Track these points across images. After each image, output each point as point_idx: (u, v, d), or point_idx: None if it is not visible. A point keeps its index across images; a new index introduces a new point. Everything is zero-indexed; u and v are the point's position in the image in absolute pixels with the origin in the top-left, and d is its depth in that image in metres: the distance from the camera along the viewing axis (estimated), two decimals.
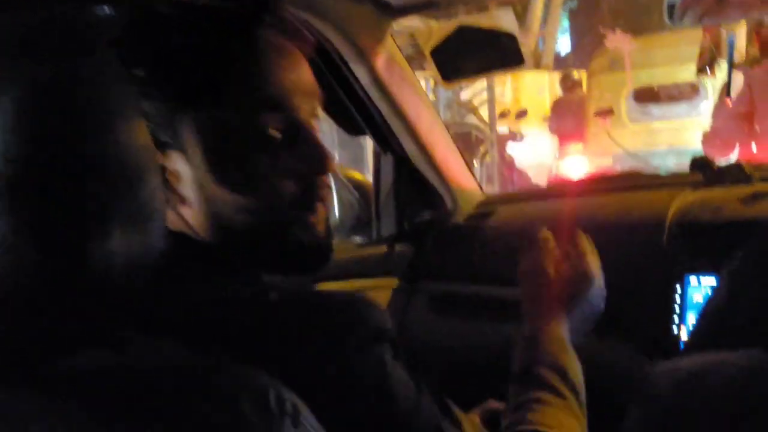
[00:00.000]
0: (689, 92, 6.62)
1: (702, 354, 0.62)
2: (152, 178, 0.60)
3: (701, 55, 1.45)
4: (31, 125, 0.53)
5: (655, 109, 6.67)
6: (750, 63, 1.43)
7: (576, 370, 1.00)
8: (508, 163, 7.83)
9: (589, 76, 7.27)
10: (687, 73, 6.39)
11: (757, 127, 2.92)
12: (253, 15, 0.83)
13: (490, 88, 8.00)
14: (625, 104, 6.63)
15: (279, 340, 0.74)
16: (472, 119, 8.59)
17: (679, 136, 6.38)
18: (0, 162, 0.52)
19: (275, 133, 0.81)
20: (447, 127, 1.69)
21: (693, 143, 5.53)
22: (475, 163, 7.77)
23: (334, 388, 0.74)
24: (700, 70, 1.45)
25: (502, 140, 7.98)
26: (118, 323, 0.63)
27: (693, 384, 0.48)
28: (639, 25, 8.94)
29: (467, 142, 7.91)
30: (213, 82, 0.79)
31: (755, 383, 0.45)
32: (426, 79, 7.95)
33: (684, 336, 1.38)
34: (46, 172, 0.53)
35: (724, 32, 1.42)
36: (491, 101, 8.06)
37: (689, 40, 6.24)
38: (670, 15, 1.41)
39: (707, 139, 3.43)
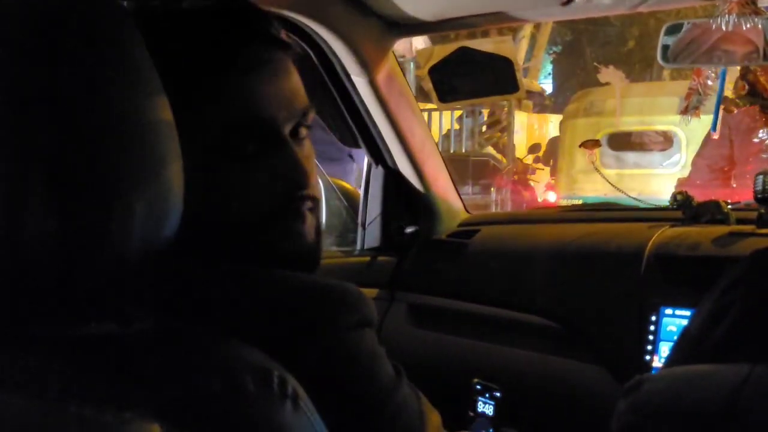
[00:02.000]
0: (662, 142, 6.76)
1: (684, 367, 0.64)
2: (175, 159, 0.60)
3: (688, 95, 1.51)
4: (58, 102, 0.54)
5: (628, 156, 6.80)
6: (733, 105, 1.50)
7: None
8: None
9: (564, 119, 7.42)
10: (661, 123, 6.56)
11: (733, 179, 3.03)
12: (236, 27, 0.83)
13: (510, 122, 8.31)
14: (598, 149, 6.76)
15: (275, 322, 0.77)
16: (490, 150, 8.89)
17: (648, 184, 6.50)
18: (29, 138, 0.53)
19: (251, 149, 0.82)
20: (467, 155, 1.73)
21: (662, 193, 5.67)
22: (492, 190, 7.96)
23: (326, 367, 0.76)
24: (686, 111, 1.51)
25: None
26: (127, 300, 0.64)
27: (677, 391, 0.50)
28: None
29: (485, 169, 8.12)
30: (187, 92, 0.77)
31: (738, 395, 0.47)
32: (452, 109, 8.31)
33: (656, 364, 1.43)
34: (73, 148, 0.54)
35: (712, 73, 1.49)
36: (510, 133, 8.40)
37: (665, 92, 6.41)
38: (664, 56, 1.47)
39: (682, 184, 3.53)
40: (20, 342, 0.58)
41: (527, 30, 8.64)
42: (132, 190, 0.56)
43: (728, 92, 1.64)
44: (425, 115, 7.61)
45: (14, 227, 0.53)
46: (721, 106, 1.56)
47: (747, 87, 1.42)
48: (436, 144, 1.86)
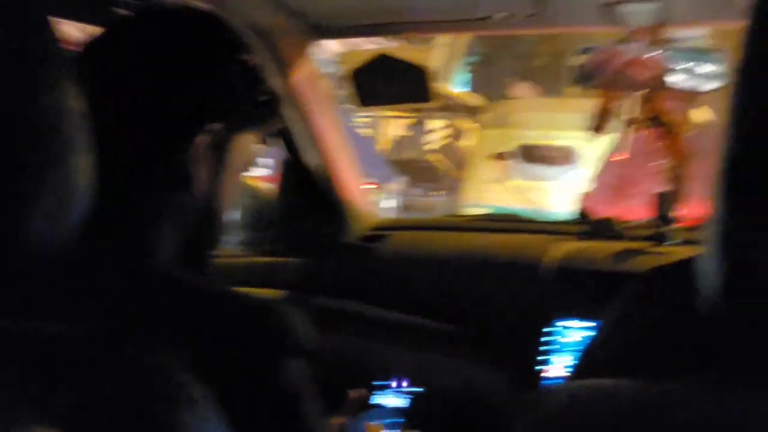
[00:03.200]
0: (565, 157, 6.98)
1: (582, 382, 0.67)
2: (82, 148, 0.59)
3: (597, 114, 1.58)
4: None
5: (532, 169, 6.98)
6: (636, 128, 1.58)
7: None
8: None
9: (477, 129, 7.58)
10: (564, 138, 6.77)
11: (633, 197, 3.16)
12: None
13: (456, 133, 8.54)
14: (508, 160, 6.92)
15: (202, 335, 0.76)
16: (437, 156, 9.29)
17: (550, 197, 6.69)
18: None
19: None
20: (414, 161, 1.76)
21: (561, 206, 5.86)
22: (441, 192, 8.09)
23: (251, 391, 0.76)
24: (594, 128, 1.58)
25: None
26: (43, 294, 0.63)
27: (579, 407, 0.52)
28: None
29: (434, 173, 8.26)
30: None
31: (641, 410, 0.50)
32: (402, 117, 8.69)
33: (549, 374, 1.49)
34: None
35: (621, 96, 1.56)
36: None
37: (570, 108, 6.62)
38: (578, 76, 1.54)
39: (587, 198, 3.65)
40: None
41: (444, 38, 8.79)
42: (32, 180, 0.55)
43: (636, 114, 1.72)
44: (374, 121, 7.76)
45: None
46: (629, 127, 1.64)
47: (649, 110, 1.50)
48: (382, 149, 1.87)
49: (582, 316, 1.49)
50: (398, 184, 5.69)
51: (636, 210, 3.24)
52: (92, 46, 0.87)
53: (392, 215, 5.42)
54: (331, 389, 1.21)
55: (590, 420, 0.48)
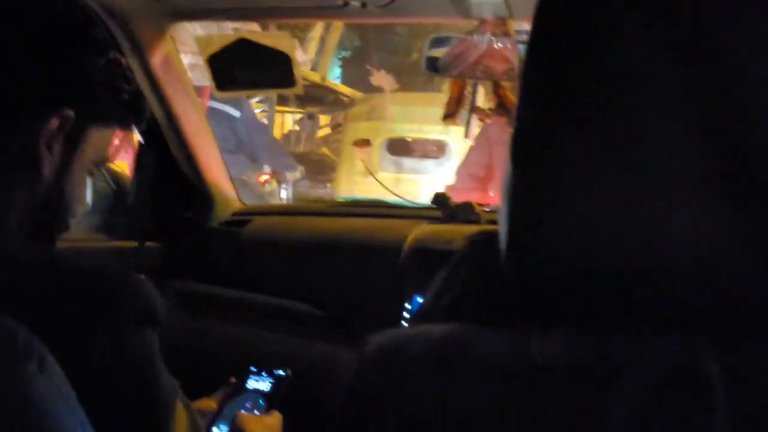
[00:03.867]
0: (437, 150, 7.16)
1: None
2: None
3: (448, 104, 1.65)
4: None
5: (405, 162, 7.12)
6: (485, 115, 1.65)
7: None
8: None
9: (347, 122, 7.66)
10: (435, 132, 6.94)
11: (491, 189, 3.32)
12: None
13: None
14: (377, 153, 7.03)
15: (45, 305, 0.76)
16: (324, 150, 9.28)
17: (421, 190, 6.85)
18: None
19: None
20: (306, 155, 1.76)
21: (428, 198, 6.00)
22: (328, 185, 8.20)
23: (101, 361, 0.76)
24: (446, 117, 1.65)
25: None
26: None
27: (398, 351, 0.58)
28: (402, 83, 9.56)
29: (322, 166, 8.42)
30: None
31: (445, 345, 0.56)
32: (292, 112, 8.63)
33: None
34: None
35: (468, 86, 1.64)
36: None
37: (441, 103, 6.79)
38: (429, 66, 1.60)
39: (449, 190, 3.79)
40: None
41: (317, 31, 8.80)
42: None
43: (484, 104, 1.80)
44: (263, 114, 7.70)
45: None
46: (475, 116, 1.71)
47: (497, 99, 1.58)
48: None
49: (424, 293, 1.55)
50: (295, 174, 5.76)
51: (495, 198, 3.41)
52: None
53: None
54: (199, 374, 1.22)
55: (403, 356, 0.53)
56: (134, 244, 1.76)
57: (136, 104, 0.97)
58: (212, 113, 4.31)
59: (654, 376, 0.47)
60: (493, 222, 1.67)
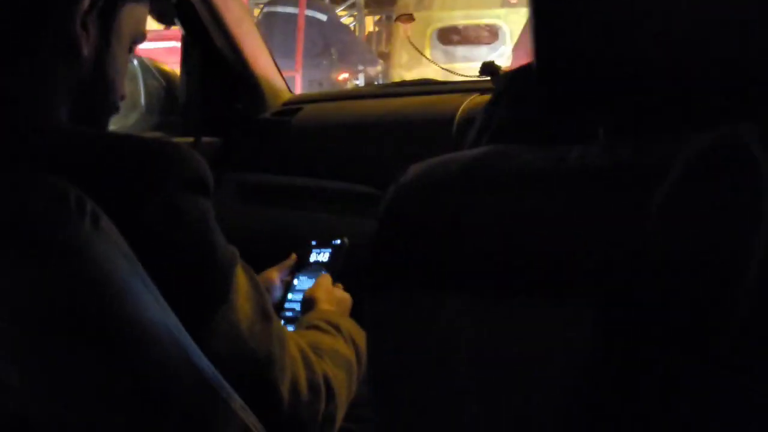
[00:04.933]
0: (489, 36, 6.98)
1: None
2: None
3: None
4: None
5: (457, 51, 6.98)
6: None
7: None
8: None
9: (395, 14, 7.52)
10: (487, 17, 6.76)
11: None
12: None
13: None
14: (428, 43, 6.90)
15: (95, 172, 0.78)
16: None
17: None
18: None
19: None
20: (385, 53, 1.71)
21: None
22: None
23: (157, 227, 0.78)
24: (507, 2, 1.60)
25: None
26: None
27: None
28: None
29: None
30: None
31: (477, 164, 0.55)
32: None
33: None
34: None
35: None
36: None
37: None
38: None
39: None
40: None
41: None
42: None
43: None
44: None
45: None
46: None
47: None
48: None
49: None
50: (377, 69, 6.00)
51: None
52: None
53: None
54: (260, 253, 1.25)
55: (439, 173, 0.54)
56: (189, 140, 1.79)
57: None
58: (306, 20, 4.63)
59: (697, 161, 0.46)
60: None
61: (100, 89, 0.92)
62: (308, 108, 1.86)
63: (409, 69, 6.87)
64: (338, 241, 1.37)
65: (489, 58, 6.69)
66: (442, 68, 2.74)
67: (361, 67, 6.01)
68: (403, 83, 2.16)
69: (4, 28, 0.84)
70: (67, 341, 0.66)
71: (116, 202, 0.74)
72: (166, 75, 1.78)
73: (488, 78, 1.78)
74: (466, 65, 6.94)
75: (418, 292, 0.53)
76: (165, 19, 1.69)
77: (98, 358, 0.67)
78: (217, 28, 1.70)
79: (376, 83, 7.38)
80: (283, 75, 1.98)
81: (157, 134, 1.80)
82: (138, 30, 0.96)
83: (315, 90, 5.90)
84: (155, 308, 0.72)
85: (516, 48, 3.80)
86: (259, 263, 1.00)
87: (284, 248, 1.63)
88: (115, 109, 0.97)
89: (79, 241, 0.64)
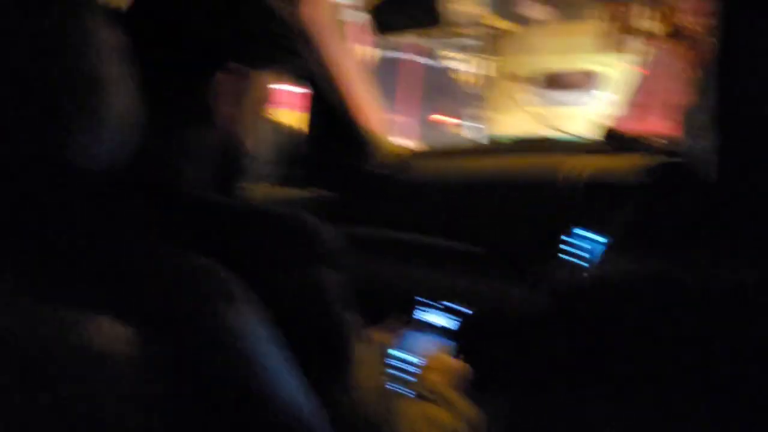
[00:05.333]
0: (584, 80, 6.90)
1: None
2: (117, 78, 0.64)
3: (609, 31, 1.57)
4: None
5: (551, 94, 6.93)
6: (658, 43, 1.55)
7: None
8: None
9: (494, 57, 7.52)
10: (582, 61, 6.68)
11: (654, 107, 3.16)
12: None
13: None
14: (526, 86, 6.86)
15: (235, 245, 0.79)
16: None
17: (569, 122, 6.66)
18: None
19: None
20: None
21: (583, 130, 5.85)
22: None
23: (285, 303, 0.79)
24: (607, 46, 1.58)
25: None
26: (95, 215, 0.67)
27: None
28: (549, 12, 9.23)
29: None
30: None
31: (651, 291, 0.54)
32: None
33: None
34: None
35: (633, 10, 1.54)
36: None
37: (589, 32, 6.51)
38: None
39: (613, 119, 3.64)
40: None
41: None
42: (73, 107, 0.60)
43: (655, 28, 1.69)
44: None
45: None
46: (646, 43, 1.62)
47: (671, 25, 1.47)
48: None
49: (597, 226, 1.51)
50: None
51: (663, 125, 3.23)
52: None
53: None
54: (370, 310, 1.26)
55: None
56: (302, 192, 1.82)
57: (294, 46, 0.99)
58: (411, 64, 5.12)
59: None
60: (667, 153, 1.60)
61: (233, 155, 0.95)
62: (420, 162, 1.87)
63: (504, 111, 6.87)
64: (452, 305, 1.37)
65: (583, 103, 6.62)
66: (534, 112, 2.72)
67: (460, 110, 6.32)
68: (515, 140, 2.14)
69: (148, 91, 0.87)
70: (215, 418, 0.67)
71: (253, 276, 0.76)
72: (282, 127, 1.82)
73: (604, 139, 1.76)
74: (564, 108, 6.89)
75: None
76: (298, 80, 1.73)
77: None
78: (336, 85, 1.74)
79: (474, 124, 7.45)
80: (388, 117, 2.00)
81: (290, 191, 1.85)
82: (266, 96, 0.99)
83: (418, 131, 6.06)
84: (292, 382, 0.73)
85: (624, 99, 3.70)
86: (367, 318, 1.01)
87: (393, 305, 1.63)
88: (245, 171, 0.99)
89: (227, 322, 0.65)
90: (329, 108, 1.77)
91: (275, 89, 1.00)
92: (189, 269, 0.66)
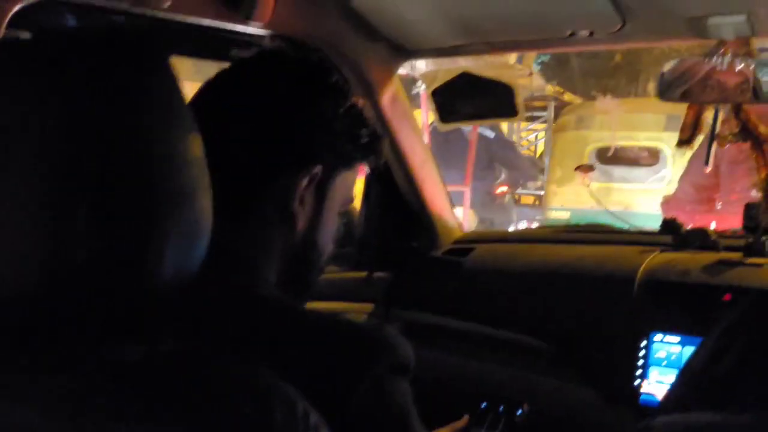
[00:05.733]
0: (648, 158, 6.83)
1: (691, 414, 0.68)
2: (204, 193, 0.65)
3: (683, 128, 1.57)
4: (104, 137, 0.59)
5: (614, 170, 6.86)
6: (723, 142, 1.55)
7: None
8: None
9: (555, 131, 7.49)
10: (647, 139, 6.62)
11: (718, 203, 3.11)
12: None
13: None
14: (587, 161, 6.81)
15: (305, 362, 0.80)
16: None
17: (634, 199, 6.57)
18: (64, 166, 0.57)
19: None
20: None
21: (647, 208, 5.79)
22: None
23: (360, 415, 0.79)
24: (681, 143, 1.57)
25: None
26: (155, 323, 0.68)
27: None
28: (606, 86, 9.22)
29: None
30: None
31: None
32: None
33: (645, 389, 1.47)
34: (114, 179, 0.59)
35: (707, 110, 1.54)
36: None
37: (651, 108, 6.47)
38: (660, 89, 1.52)
39: (667, 201, 3.60)
40: (55, 362, 0.61)
41: None
42: (166, 219, 0.61)
43: (725, 126, 1.69)
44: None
45: (58, 251, 0.57)
46: (716, 143, 1.61)
47: (739, 124, 1.47)
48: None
49: (675, 329, 1.47)
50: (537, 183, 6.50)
51: (723, 217, 3.18)
52: (207, 87, 0.94)
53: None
54: (428, 406, 1.24)
55: None
56: (363, 274, 1.83)
57: (374, 145, 1.00)
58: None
59: None
60: (731, 249, 1.56)
61: (310, 255, 0.96)
62: (480, 248, 1.86)
63: (562, 184, 6.82)
64: (516, 410, 1.34)
65: (649, 181, 6.53)
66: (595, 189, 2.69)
67: (522, 181, 6.46)
68: (577, 228, 2.13)
69: (232, 193, 0.89)
70: None
71: (326, 386, 0.76)
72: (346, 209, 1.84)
73: (667, 234, 1.73)
74: (625, 185, 6.81)
75: None
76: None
77: None
78: (400, 168, 1.76)
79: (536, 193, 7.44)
80: (452, 188, 2.02)
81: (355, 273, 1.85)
82: (349, 194, 1.00)
83: (479, 201, 6.09)
84: None
85: (682, 179, 3.66)
86: (424, 411, 0.99)
87: (450, 398, 1.60)
88: (321, 269, 1.00)
89: None
90: (392, 190, 1.79)
91: (355, 181, 1.01)
92: (263, 394, 0.65)
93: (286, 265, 0.94)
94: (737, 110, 1.49)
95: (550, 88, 8.45)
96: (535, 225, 6.60)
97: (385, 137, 1.03)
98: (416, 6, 1.39)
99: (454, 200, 2.04)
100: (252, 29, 1.30)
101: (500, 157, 6.18)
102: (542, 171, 7.70)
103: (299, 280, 0.98)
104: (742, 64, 1.38)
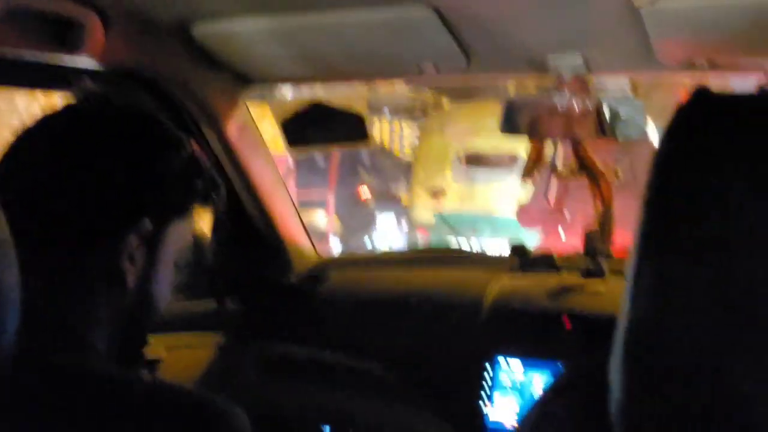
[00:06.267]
0: (508, 162, 7.07)
1: None
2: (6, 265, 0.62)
3: (527, 164, 1.62)
4: None
5: (478, 173, 7.05)
6: (563, 177, 1.62)
7: None
8: None
9: (421, 134, 7.64)
10: (508, 144, 6.85)
11: (567, 216, 3.26)
12: None
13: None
14: (450, 165, 6.98)
15: None
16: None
17: (494, 202, 6.80)
18: None
19: None
20: None
21: (504, 212, 6.05)
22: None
23: None
24: (524, 177, 1.63)
25: None
26: None
27: None
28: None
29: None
30: None
31: None
32: None
33: (488, 411, 1.51)
34: None
35: (547, 146, 1.60)
36: None
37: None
38: (506, 128, 1.56)
39: (521, 211, 3.74)
40: None
41: None
42: None
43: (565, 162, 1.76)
44: None
45: None
46: (555, 177, 1.67)
47: (578, 160, 1.54)
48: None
49: (518, 353, 1.52)
50: None
51: (569, 228, 3.34)
52: (18, 143, 0.87)
53: None
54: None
55: None
56: (214, 305, 1.78)
57: (210, 193, 0.96)
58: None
59: None
60: (571, 269, 1.63)
61: (145, 312, 0.91)
62: (334, 275, 1.85)
63: (427, 187, 6.96)
64: None
65: (506, 181, 6.73)
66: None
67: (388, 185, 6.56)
68: (430, 251, 2.16)
69: (53, 262, 0.83)
70: None
71: None
72: (194, 238, 1.78)
73: (515, 256, 1.78)
74: (486, 185, 7.03)
75: None
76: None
77: None
78: (249, 196, 1.72)
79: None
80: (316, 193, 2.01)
81: (203, 304, 1.79)
82: (183, 245, 0.96)
83: (343, 206, 6.12)
84: None
85: (535, 192, 3.81)
86: None
87: (294, 425, 1.59)
88: (158, 317, 0.96)
89: None
90: (242, 218, 1.75)
91: (190, 229, 0.97)
92: None
93: (114, 329, 0.88)
94: (575, 147, 1.55)
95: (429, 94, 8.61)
96: (399, 231, 6.72)
97: (221, 184, 0.99)
98: (258, 38, 1.36)
99: (319, 205, 2.03)
100: (84, 62, 1.24)
101: (365, 160, 6.21)
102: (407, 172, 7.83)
103: (134, 339, 0.93)
104: (585, 101, 1.43)
